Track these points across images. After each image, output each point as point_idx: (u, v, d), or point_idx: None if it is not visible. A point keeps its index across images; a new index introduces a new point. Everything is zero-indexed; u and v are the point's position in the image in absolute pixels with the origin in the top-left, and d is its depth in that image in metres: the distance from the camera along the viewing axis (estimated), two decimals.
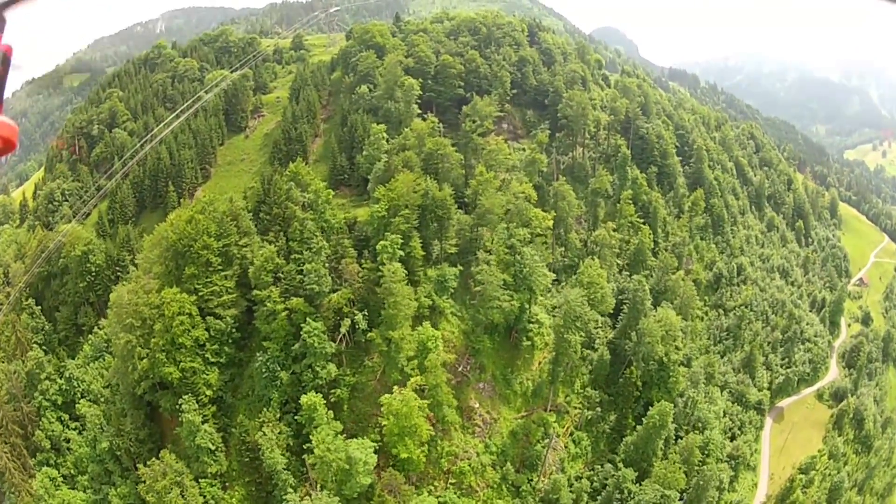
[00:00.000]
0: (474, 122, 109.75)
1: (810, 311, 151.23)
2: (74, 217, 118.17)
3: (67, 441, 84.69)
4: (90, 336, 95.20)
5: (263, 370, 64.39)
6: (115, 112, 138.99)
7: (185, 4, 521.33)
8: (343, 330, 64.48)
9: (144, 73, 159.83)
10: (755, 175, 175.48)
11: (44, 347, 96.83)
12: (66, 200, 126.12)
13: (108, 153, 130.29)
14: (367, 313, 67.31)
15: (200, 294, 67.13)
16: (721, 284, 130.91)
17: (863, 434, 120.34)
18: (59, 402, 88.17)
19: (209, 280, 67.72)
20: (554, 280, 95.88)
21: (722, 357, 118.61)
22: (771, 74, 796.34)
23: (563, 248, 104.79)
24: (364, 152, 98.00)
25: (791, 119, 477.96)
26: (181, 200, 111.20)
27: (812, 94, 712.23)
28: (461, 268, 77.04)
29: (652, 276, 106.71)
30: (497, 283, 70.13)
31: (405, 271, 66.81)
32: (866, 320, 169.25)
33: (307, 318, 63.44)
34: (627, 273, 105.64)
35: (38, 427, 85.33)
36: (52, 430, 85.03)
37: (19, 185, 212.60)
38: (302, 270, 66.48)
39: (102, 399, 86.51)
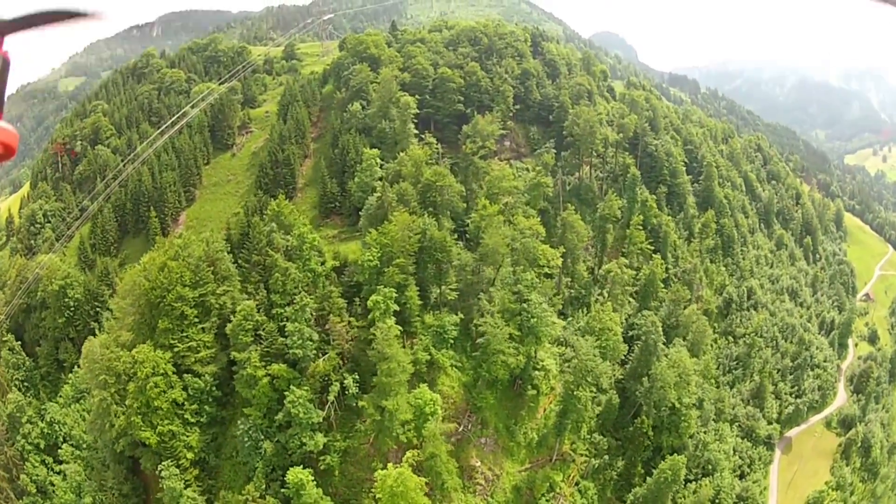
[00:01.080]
0: (475, 142, 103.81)
1: (819, 332, 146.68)
2: (57, 241, 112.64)
3: (53, 485, 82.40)
4: (71, 374, 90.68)
5: (246, 439, 58.74)
6: (99, 127, 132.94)
7: (182, 7, 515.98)
8: (331, 397, 58.71)
9: (131, 83, 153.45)
10: (764, 191, 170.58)
11: (25, 384, 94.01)
12: (49, 222, 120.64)
13: (91, 171, 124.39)
14: (357, 376, 61.39)
15: (176, 350, 61.34)
16: (731, 310, 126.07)
17: (869, 462, 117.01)
18: (42, 446, 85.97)
19: (185, 335, 61.89)
20: (560, 313, 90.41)
21: (731, 388, 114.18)
22: (770, 79, 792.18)
23: (569, 279, 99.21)
24: (356, 178, 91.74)
25: (790, 124, 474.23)
26: (164, 227, 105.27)
27: (811, 98, 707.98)
28: (462, 315, 70.76)
29: (662, 307, 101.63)
30: (502, 336, 64.35)
31: (399, 328, 60.93)
32: (873, 338, 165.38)
33: (291, 386, 57.61)
34: (637, 305, 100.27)
35: (23, 471, 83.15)
36: (37, 475, 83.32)
37: (13, 192, 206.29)
38: (284, 330, 60.70)
39: (85, 445, 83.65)
